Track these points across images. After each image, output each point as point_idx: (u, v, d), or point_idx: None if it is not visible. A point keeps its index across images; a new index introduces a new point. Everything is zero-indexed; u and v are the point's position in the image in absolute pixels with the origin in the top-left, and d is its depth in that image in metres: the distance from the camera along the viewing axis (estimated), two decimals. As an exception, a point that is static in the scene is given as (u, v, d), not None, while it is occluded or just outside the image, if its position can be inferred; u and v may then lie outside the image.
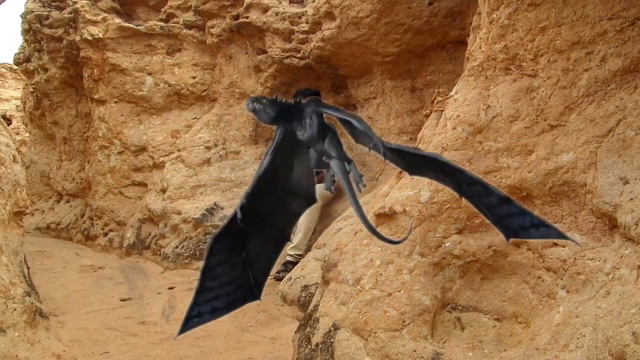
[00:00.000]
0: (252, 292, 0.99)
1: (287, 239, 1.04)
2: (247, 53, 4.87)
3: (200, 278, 0.93)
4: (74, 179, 6.09)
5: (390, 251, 2.02)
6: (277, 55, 4.47)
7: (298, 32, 4.38)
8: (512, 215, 0.86)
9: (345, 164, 0.93)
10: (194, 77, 5.13)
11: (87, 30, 4.97)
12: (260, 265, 1.00)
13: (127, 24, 5.08)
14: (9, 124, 9.12)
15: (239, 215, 0.90)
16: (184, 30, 5.08)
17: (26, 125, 7.81)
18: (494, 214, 0.87)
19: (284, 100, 0.91)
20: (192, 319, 0.94)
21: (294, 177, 1.01)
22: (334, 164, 0.93)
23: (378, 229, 2.11)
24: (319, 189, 1.03)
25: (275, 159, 0.95)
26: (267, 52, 4.55)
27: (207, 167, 4.83)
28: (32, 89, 6.49)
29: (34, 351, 1.83)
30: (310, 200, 1.05)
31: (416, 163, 0.91)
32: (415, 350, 1.80)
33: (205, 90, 5.15)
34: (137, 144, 5.19)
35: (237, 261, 0.95)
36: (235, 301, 0.98)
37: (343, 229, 2.48)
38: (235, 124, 4.95)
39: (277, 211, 1.00)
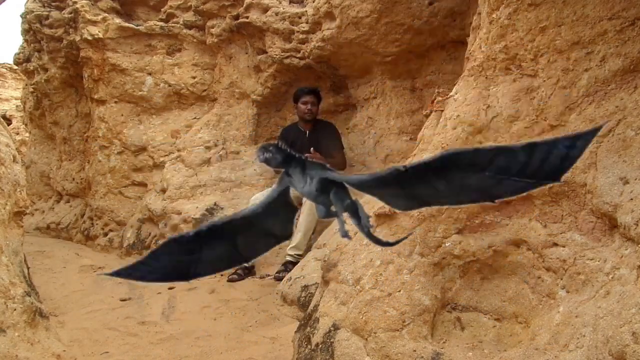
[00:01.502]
0: (184, 277, 1.04)
1: (242, 260, 1.09)
2: (247, 53, 4.87)
3: (146, 256, 1.01)
4: (74, 179, 6.09)
5: (390, 251, 2.02)
6: (277, 55, 4.47)
7: (298, 32, 4.38)
8: (548, 156, 0.78)
9: (352, 212, 0.97)
10: (194, 77, 5.13)
11: (87, 30, 4.98)
12: (209, 267, 1.04)
13: (127, 24, 5.08)
14: (9, 124, 9.12)
15: (202, 229, 0.96)
16: (184, 30, 5.09)
17: (26, 125, 7.81)
18: (534, 169, 0.79)
19: (286, 147, 0.95)
20: (124, 273, 1.06)
21: (275, 222, 1.04)
22: (343, 215, 0.98)
23: (377, 229, 2.12)
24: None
25: (268, 206, 0.99)
26: (267, 52, 4.56)
27: (207, 167, 4.83)
28: (32, 89, 6.49)
29: (34, 351, 1.83)
30: (282, 239, 1.09)
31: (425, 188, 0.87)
32: (415, 350, 1.80)
33: (205, 90, 5.15)
34: (137, 144, 5.19)
35: (186, 257, 1.01)
36: (163, 278, 1.07)
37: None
38: (235, 124, 4.95)
39: (244, 242, 1.04)
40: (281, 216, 1.04)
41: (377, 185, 0.90)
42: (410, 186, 0.86)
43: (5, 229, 2.04)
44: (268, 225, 1.03)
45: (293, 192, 1.00)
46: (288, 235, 1.09)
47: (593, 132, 0.77)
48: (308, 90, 4.24)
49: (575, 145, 0.77)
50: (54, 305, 3.37)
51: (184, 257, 1.00)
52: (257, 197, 4.03)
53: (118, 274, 1.05)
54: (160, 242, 4.66)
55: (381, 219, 2.11)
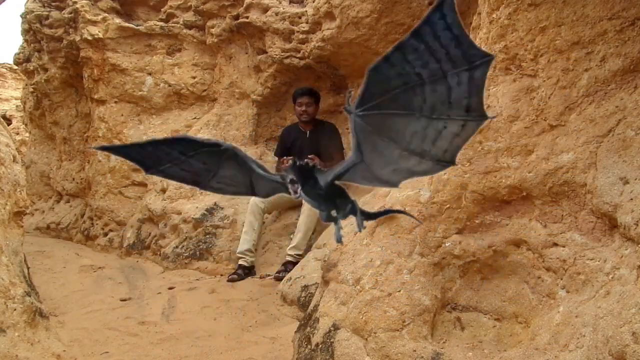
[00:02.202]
0: (148, 168, 1.04)
1: (201, 186, 1.11)
2: (247, 53, 4.87)
3: (148, 141, 0.98)
4: (74, 179, 6.09)
5: (390, 251, 2.02)
6: (277, 55, 4.48)
7: (298, 32, 4.38)
8: (437, 36, 0.79)
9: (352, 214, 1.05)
10: (194, 77, 5.13)
11: (87, 30, 4.97)
12: (179, 171, 1.05)
13: (127, 24, 5.08)
14: (9, 124, 9.12)
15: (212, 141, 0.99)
16: (184, 30, 5.08)
17: (26, 125, 7.81)
18: (442, 56, 0.81)
19: (299, 162, 1.01)
20: (115, 149, 1.07)
21: (263, 186, 1.09)
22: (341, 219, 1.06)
23: (377, 229, 2.12)
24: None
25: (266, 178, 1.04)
26: (267, 52, 4.56)
27: (207, 167, 4.82)
28: (32, 89, 6.49)
29: (34, 351, 1.83)
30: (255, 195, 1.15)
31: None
32: (415, 350, 1.80)
33: (205, 90, 5.15)
34: (137, 144, 5.19)
35: (172, 155, 1.00)
36: (138, 160, 1.03)
37: (343, 229, 2.49)
38: (235, 124, 4.95)
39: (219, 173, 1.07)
40: (269, 186, 1.08)
41: (356, 153, 0.95)
42: (371, 143, 0.92)
43: (5, 229, 2.04)
44: (256, 184, 1.08)
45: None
46: (264, 196, 1.14)
47: None
48: (302, 91, 4.21)
49: (442, 10, 0.77)
50: (54, 305, 3.37)
51: (171, 153, 0.99)
52: (258, 197, 4.02)
53: (107, 149, 1.04)
54: (160, 241, 4.62)
55: (381, 219, 2.11)
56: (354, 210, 1.03)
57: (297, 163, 0.99)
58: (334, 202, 1.02)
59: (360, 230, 1.04)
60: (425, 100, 0.86)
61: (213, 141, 0.99)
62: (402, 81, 0.84)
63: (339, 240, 1.07)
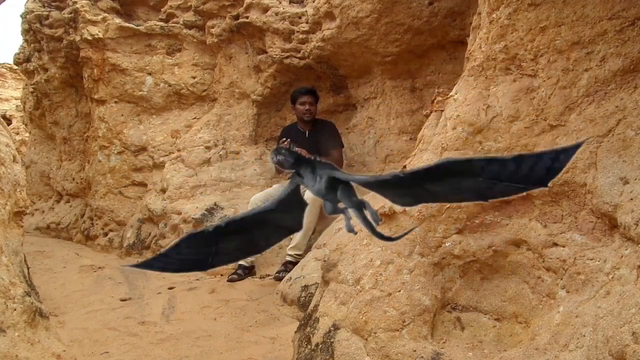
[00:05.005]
0: (203, 267, 1.08)
1: (257, 251, 1.14)
2: (247, 53, 4.87)
3: (168, 248, 1.04)
4: (74, 179, 6.09)
5: (390, 251, 2.02)
6: (277, 55, 4.48)
7: (298, 32, 4.38)
8: (534, 166, 0.84)
9: (359, 209, 1.03)
10: (194, 77, 5.13)
11: (87, 30, 4.98)
12: (226, 257, 1.08)
13: (127, 24, 5.08)
14: (9, 124, 9.12)
15: (221, 225, 1.00)
16: (184, 30, 5.09)
17: (26, 125, 7.81)
18: (522, 176, 0.84)
19: (296, 150, 1.02)
20: (147, 265, 1.07)
21: (287, 217, 1.11)
22: (350, 211, 1.04)
23: (378, 229, 2.11)
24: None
25: (281, 203, 1.05)
26: (267, 52, 4.56)
27: (207, 167, 4.83)
28: (32, 89, 6.49)
29: (34, 351, 1.83)
30: (294, 231, 1.17)
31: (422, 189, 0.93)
32: (415, 350, 1.80)
33: (205, 90, 5.15)
34: (137, 144, 5.19)
35: (205, 250, 1.05)
36: (182, 268, 1.09)
37: (343, 229, 2.49)
38: (235, 124, 4.95)
39: (258, 235, 1.09)
40: (293, 212, 1.09)
41: (378, 185, 0.96)
42: (409, 188, 0.92)
43: (5, 229, 2.04)
44: (280, 220, 1.09)
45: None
46: (299, 228, 1.16)
47: (575, 148, 0.81)
48: (305, 90, 4.22)
49: (559, 158, 0.81)
50: (54, 305, 3.37)
51: (203, 249, 1.04)
52: (257, 197, 4.03)
53: (141, 265, 1.10)
54: (160, 241, 4.64)
55: (381, 219, 2.11)
56: (361, 203, 1.03)
57: (293, 148, 1.01)
58: (337, 193, 1.02)
59: (377, 224, 1.04)
60: (459, 184, 0.88)
61: (214, 226, 1.01)
62: (460, 172, 0.85)
63: (350, 230, 1.06)
